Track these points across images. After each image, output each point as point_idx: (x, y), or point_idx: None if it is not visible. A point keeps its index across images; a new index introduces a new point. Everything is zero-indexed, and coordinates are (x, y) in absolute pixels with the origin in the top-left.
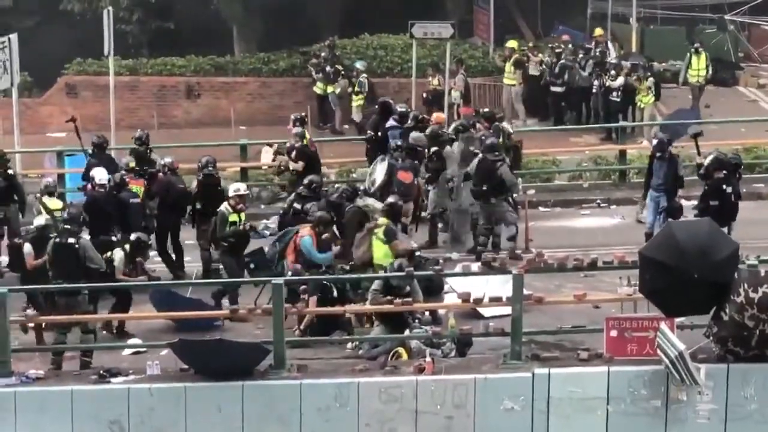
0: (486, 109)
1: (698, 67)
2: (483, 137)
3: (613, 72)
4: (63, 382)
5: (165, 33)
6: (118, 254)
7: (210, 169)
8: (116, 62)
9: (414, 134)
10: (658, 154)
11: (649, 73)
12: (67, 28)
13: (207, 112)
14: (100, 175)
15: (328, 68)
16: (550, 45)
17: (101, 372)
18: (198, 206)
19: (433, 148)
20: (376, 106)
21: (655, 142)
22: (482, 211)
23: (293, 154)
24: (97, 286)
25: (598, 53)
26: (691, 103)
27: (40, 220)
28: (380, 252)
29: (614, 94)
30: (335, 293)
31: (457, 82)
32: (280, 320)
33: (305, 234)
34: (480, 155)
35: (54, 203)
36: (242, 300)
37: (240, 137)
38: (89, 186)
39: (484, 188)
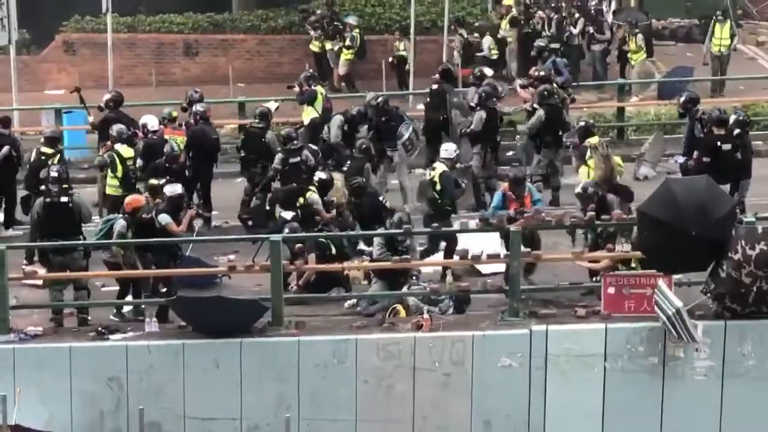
0: (542, 72)
1: (721, 36)
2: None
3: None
4: (61, 339)
5: None
6: (314, 197)
7: (255, 120)
8: (114, 20)
9: (471, 91)
10: (681, 111)
11: (636, 30)
12: None
13: (205, 69)
14: (151, 122)
15: (325, 25)
16: (552, 4)
17: (100, 329)
18: (242, 153)
19: None
20: (437, 75)
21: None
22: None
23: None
24: (73, 243)
25: (593, 10)
26: (688, 61)
27: (176, 188)
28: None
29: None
30: (333, 250)
31: (455, 43)
32: (278, 277)
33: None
34: (545, 105)
35: (127, 151)
36: (240, 258)
37: (238, 95)
38: (140, 134)
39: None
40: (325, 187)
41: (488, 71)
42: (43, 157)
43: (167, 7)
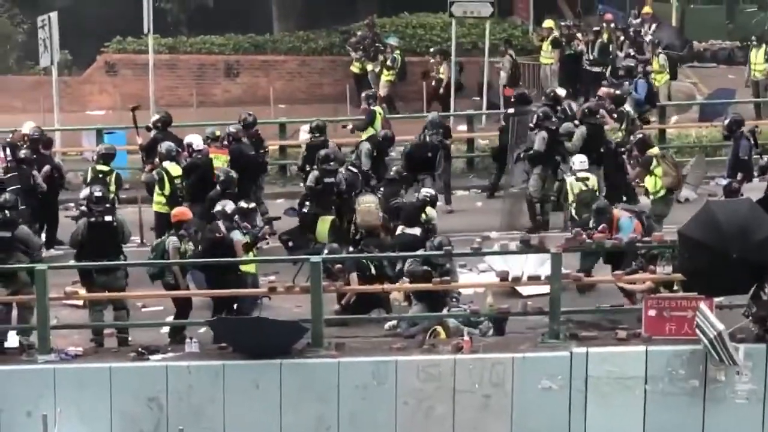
0: (617, 92)
1: (755, 60)
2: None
3: (647, 54)
4: (102, 359)
5: (204, 11)
6: (433, 212)
7: (315, 134)
8: (155, 40)
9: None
10: (725, 133)
11: (659, 50)
12: (106, 6)
13: (246, 90)
14: (196, 141)
15: (367, 46)
16: (594, 28)
17: (140, 349)
18: (306, 168)
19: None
20: (512, 99)
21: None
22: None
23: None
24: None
25: (632, 33)
26: (730, 83)
27: (231, 204)
28: None
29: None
30: (373, 271)
31: (504, 63)
32: (318, 298)
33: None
34: (586, 123)
35: (175, 169)
36: (280, 278)
37: (279, 116)
38: (185, 153)
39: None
40: (434, 202)
41: (561, 92)
42: (100, 175)
43: (208, 28)
